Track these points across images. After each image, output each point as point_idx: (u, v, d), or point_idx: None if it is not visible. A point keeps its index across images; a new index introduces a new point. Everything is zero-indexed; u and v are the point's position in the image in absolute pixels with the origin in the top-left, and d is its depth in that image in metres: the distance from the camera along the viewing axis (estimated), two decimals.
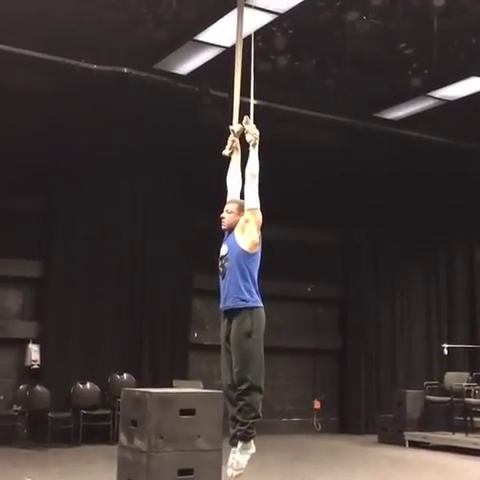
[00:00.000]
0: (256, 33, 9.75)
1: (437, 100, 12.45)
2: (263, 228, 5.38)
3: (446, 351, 13.60)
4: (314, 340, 14.27)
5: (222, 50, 10.74)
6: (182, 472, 6.21)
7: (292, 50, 10.68)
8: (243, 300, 5.20)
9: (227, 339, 5.37)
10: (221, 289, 5.37)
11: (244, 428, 5.16)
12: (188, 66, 11.53)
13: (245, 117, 5.48)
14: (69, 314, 11.77)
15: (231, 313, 5.25)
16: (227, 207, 5.49)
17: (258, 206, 5.31)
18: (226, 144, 5.59)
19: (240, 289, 5.19)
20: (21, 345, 11.68)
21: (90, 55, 11.07)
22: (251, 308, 5.22)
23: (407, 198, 14.39)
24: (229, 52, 10.24)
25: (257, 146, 5.32)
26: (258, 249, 5.34)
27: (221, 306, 5.37)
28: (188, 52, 11.07)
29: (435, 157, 14.11)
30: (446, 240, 15.46)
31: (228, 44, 10.38)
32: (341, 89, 11.81)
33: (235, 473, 5.12)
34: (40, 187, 11.79)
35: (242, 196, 5.44)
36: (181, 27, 10.25)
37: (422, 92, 12.11)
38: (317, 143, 13.83)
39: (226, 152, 5.59)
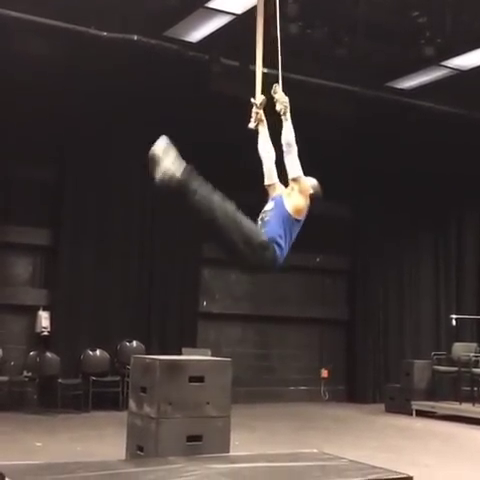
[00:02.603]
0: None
1: (450, 69, 12.31)
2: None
3: (454, 322, 13.63)
4: (322, 310, 14.32)
5: (233, 17, 10.63)
6: (191, 438, 6.26)
7: (304, 18, 10.57)
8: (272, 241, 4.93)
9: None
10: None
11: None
12: (198, 34, 11.43)
13: (274, 86, 5.34)
14: (79, 281, 11.85)
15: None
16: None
17: (301, 174, 5.23)
18: (250, 117, 5.50)
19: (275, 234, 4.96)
20: (31, 312, 11.78)
21: (100, 22, 10.99)
22: (273, 242, 4.93)
23: (418, 169, 14.29)
24: (240, 19, 10.16)
25: (288, 114, 5.20)
26: (302, 217, 5.26)
27: None
28: (199, 19, 10.96)
29: (448, 127, 13.96)
30: (457, 210, 15.40)
31: (239, 11, 10.28)
32: (353, 58, 11.69)
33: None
34: (50, 155, 11.81)
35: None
36: None
37: (435, 61, 11.98)
38: (327, 112, 13.72)
39: (252, 125, 5.51)
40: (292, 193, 5.21)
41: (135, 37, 11.24)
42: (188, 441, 6.24)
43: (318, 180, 5.42)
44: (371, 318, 14.39)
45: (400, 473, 5.52)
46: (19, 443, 8.32)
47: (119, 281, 12.13)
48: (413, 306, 14.87)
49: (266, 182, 5.42)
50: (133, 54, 11.38)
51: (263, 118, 5.48)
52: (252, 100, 5.48)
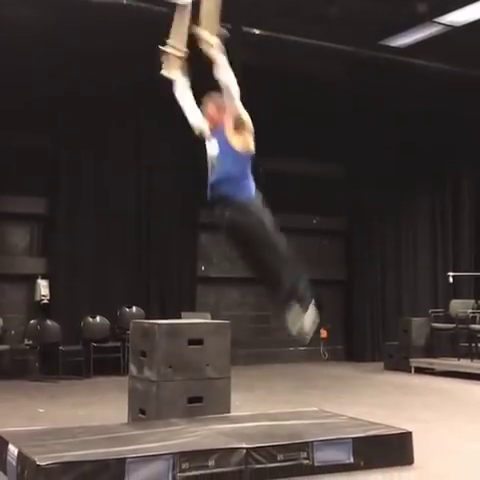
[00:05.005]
0: None
1: (443, 26, 12.19)
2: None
3: (451, 279, 13.69)
4: (320, 271, 14.35)
5: None
6: (192, 400, 6.35)
7: None
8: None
9: None
10: None
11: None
12: None
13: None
14: (77, 249, 11.87)
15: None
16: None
17: (243, 111, 4.98)
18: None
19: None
20: (30, 281, 11.82)
21: None
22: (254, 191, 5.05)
23: (414, 128, 14.22)
24: None
25: (217, 52, 4.82)
26: (251, 149, 5.05)
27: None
28: None
29: (443, 85, 13.82)
30: (453, 169, 15.37)
31: None
32: (344, 16, 11.56)
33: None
34: (45, 124, 11.77)
35: None
36: None
37: (428, 18, 11.85)
38: (320, 73, 13.59)
39: (165, 72, 5.21)
40: (236, 132, 4.98)
41: (125, 1, 11.10)
42: (189, 403, 6.33)
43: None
44: (369, 277, 14.45)
45: (399, 429, 5.61)
46: (22, 410, 8.39)
47: (117, 247, 12.16)
48: (410, 264, 14.93)
49: (196, 132, 5.30)
50: (123, 18, 11.24)
51: (177, 64, 5.23)
52: (167, 42, 5.16)
